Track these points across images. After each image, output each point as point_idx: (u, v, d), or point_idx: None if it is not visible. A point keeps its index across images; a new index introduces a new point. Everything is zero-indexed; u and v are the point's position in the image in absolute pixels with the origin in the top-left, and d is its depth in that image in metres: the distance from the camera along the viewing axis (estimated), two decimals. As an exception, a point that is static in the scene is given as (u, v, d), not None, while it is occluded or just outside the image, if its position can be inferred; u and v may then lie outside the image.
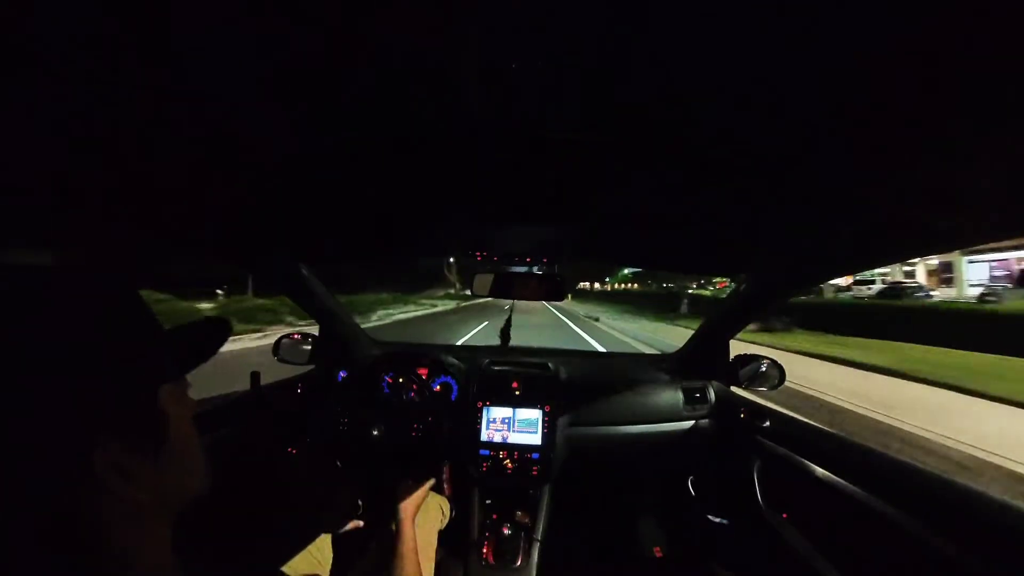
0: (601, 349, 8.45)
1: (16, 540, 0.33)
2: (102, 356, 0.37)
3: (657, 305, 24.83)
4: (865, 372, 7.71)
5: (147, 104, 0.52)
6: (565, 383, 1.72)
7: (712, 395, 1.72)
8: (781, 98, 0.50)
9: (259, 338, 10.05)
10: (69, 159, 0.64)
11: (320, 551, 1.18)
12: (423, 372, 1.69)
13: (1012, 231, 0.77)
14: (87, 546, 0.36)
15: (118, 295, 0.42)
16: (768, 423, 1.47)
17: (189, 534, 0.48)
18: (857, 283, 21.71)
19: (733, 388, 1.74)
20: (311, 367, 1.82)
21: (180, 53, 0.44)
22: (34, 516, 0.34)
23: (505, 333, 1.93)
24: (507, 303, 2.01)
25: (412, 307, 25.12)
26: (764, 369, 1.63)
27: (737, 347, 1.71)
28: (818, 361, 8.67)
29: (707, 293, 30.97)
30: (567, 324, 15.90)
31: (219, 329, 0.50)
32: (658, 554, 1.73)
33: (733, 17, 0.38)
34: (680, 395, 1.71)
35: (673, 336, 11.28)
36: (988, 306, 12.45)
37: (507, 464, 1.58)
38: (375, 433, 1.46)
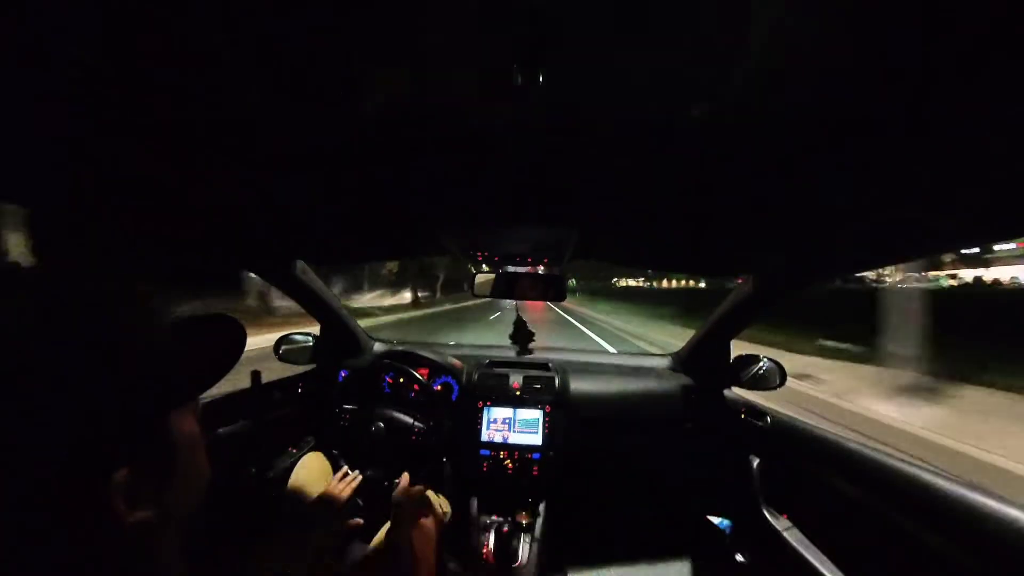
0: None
1: (21, 563, 0.32)
2: (111, 384, 0.35)
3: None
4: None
5: (150, 103, 0.53)
6: (565, 383, 1.72)
7: (713, 395, 1.73)
8: (781, 99, 0.50)
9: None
10: (72, 158, 0.65)
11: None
12: (424, 372, 1.69)
13: (1011, 232, 0.78)
14: (93, 565, 0.35)
15: (129, 311, 0.39)
16: (768, 423, 1.47)
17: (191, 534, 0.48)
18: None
19: (734, 388, 1.74)
20: (312, 366, 1.83)
21: (185, 53, 0.44)
22: (39, 538, 0.33)
23: (521, 336, 1.90)
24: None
25: None
26: (764, 369, 1.63)
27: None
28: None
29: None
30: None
31: (233, 340, 0.46)
32: (659, 554, 1.73)
33: (733, 21, 0.38)
34: (681, 395, 1.72)
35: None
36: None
37: (507, 464, 1.58)
38: (376, 433, 1.46)
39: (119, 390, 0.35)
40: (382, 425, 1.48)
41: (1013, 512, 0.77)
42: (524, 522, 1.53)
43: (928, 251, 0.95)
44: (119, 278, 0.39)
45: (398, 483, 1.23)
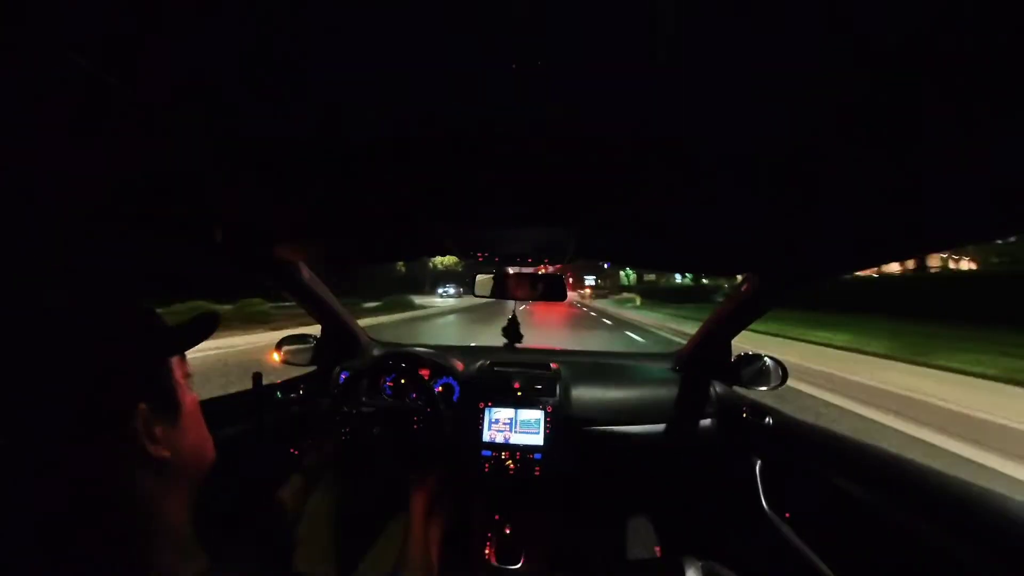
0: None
1: (51, 495, 0.38)
2: (125, 330, 0.45)
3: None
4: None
5: (150, 101, 0.53)
6: (567, 383, 1.72)
7: (714, 395, 1.72)
8: (781, 98, 0.50)
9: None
10: (71, 156, 0.65)
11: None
12: (425, 373, 1.69)
13: (1009, 230, 0.78)
14: (117, 499, 0.41)
15: (126, 288, 0.49)
16: (770, 422, 1.47)
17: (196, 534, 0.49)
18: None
19: (736, 387, 1.74)
20: (313, 368, 1.83)
21: (184, 52, 0.44)
22: (70, 473, 0.39)
23: (512, 332, 1.90)
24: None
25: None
26: (766, 368, 1.63)
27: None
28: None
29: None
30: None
31: (209, 319, 0.56)
32: (659, 554, 1.73)
33: (734, 20, 0.38)
34: (682, 395, 1.71)
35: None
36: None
37: (509, 465, 1.58)
38: (377, 434, 1.46)
39: (128, 340, 0.45)
40: (383, 426, 1.48)
41: (1015, 509, 0.77)
42: (526, 523, 1.53)
43: (925, 250, 0.95)
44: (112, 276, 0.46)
45: (404, 484, 1.23)
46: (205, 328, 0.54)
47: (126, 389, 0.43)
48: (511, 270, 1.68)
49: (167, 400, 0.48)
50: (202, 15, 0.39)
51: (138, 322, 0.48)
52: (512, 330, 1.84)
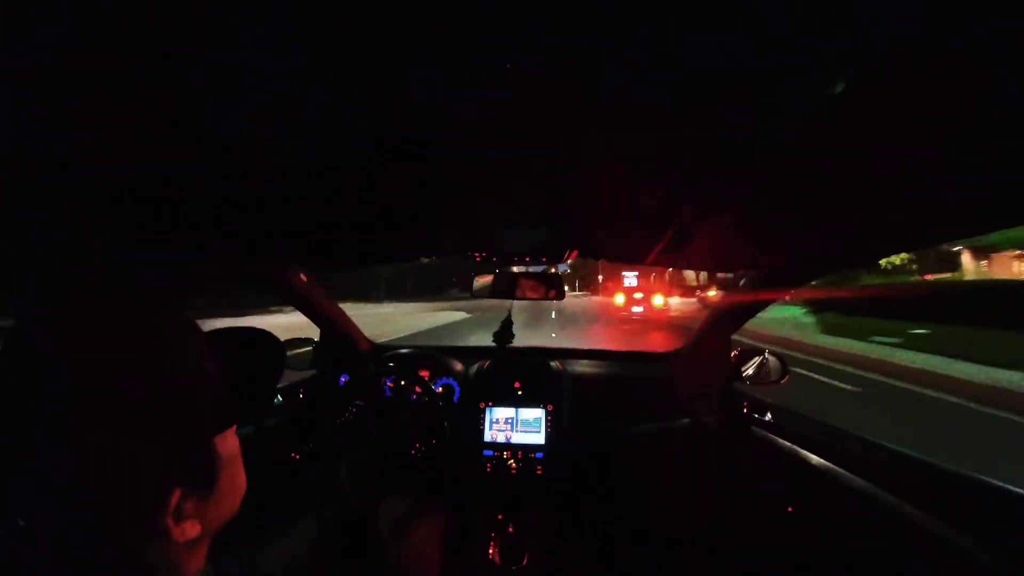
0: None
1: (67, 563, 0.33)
2: (166, 409, 0.37)
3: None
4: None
5: (147, 104, 0.52)
6: (567, 382, 1.72)
7: (714, 392, 1.73)
8: (780, 97, 0.50)
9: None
10: (67, 158, 0.64)
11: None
12: (425, 374, 1.69)
13: (1005, 225, 0.78)
14: (132, 566, 0.36)
15: (182, 336, 0.40)
16: (770, 418, 1.47)
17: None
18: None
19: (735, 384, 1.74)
20: (313, 372, 1.83)
21: (183, 52, 0.44)
22: (90, 550, 0.34)
23: (505, 333, 1.90)
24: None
25: None
26: (765, 364, 1.63)
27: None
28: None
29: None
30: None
31: (273, 360, 0.49)
32: (662, 552, 1.73)
33: (732, 23, 0.38)
34: (682, 392, 1.72)
35: None
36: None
37: (511, 464, 1.58)
38: (377, 436, 1.46)
39: (173, 422, 0.37)
40: (384, 428, 1.48)
41: (1016, 500, 0.77)
42: (529, 522, 1.53)
43: (921, 245, 0.96)
44: (173, 310, 0.40)
45: (402, 486, 1.23)
46: (272, 377, 0.47)
47: (160, 473, 0.35)
48: (516, 269, 1.68)
49: (206, 475, 0.40)
50: (200, 16, 0.39)
51: (196, 380, 0.38)
52: (505, 332, 1.84)
